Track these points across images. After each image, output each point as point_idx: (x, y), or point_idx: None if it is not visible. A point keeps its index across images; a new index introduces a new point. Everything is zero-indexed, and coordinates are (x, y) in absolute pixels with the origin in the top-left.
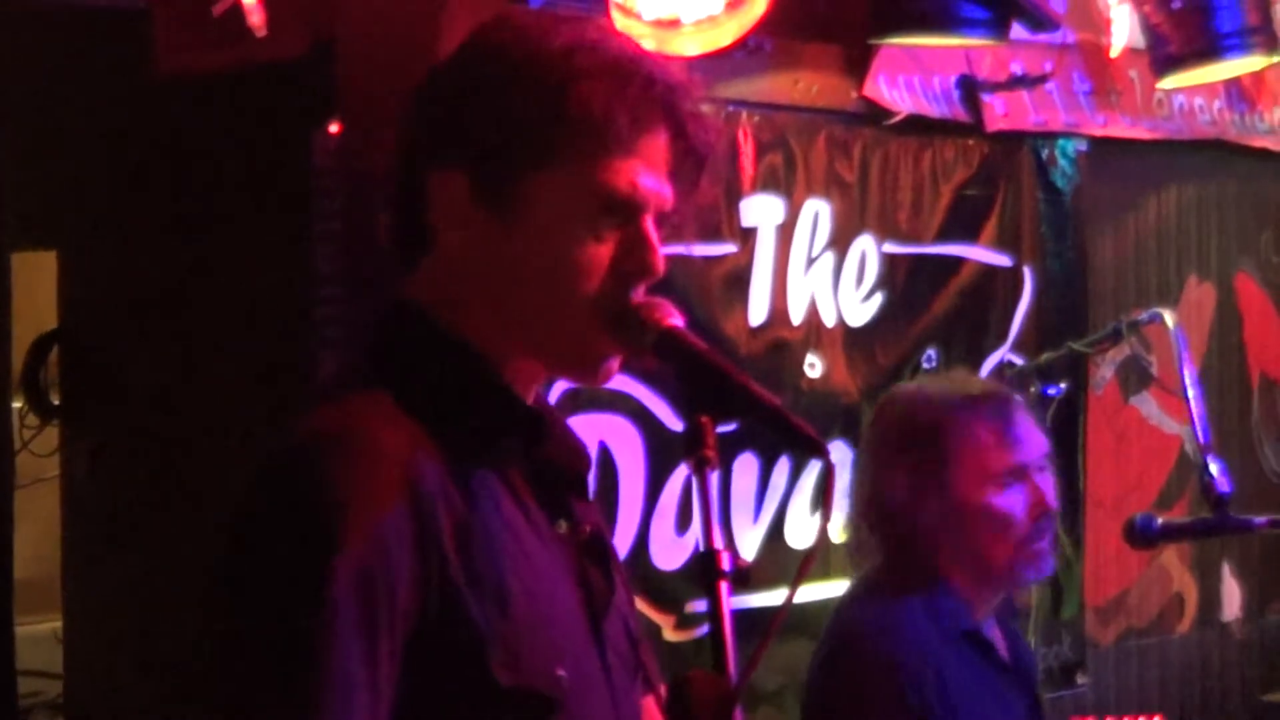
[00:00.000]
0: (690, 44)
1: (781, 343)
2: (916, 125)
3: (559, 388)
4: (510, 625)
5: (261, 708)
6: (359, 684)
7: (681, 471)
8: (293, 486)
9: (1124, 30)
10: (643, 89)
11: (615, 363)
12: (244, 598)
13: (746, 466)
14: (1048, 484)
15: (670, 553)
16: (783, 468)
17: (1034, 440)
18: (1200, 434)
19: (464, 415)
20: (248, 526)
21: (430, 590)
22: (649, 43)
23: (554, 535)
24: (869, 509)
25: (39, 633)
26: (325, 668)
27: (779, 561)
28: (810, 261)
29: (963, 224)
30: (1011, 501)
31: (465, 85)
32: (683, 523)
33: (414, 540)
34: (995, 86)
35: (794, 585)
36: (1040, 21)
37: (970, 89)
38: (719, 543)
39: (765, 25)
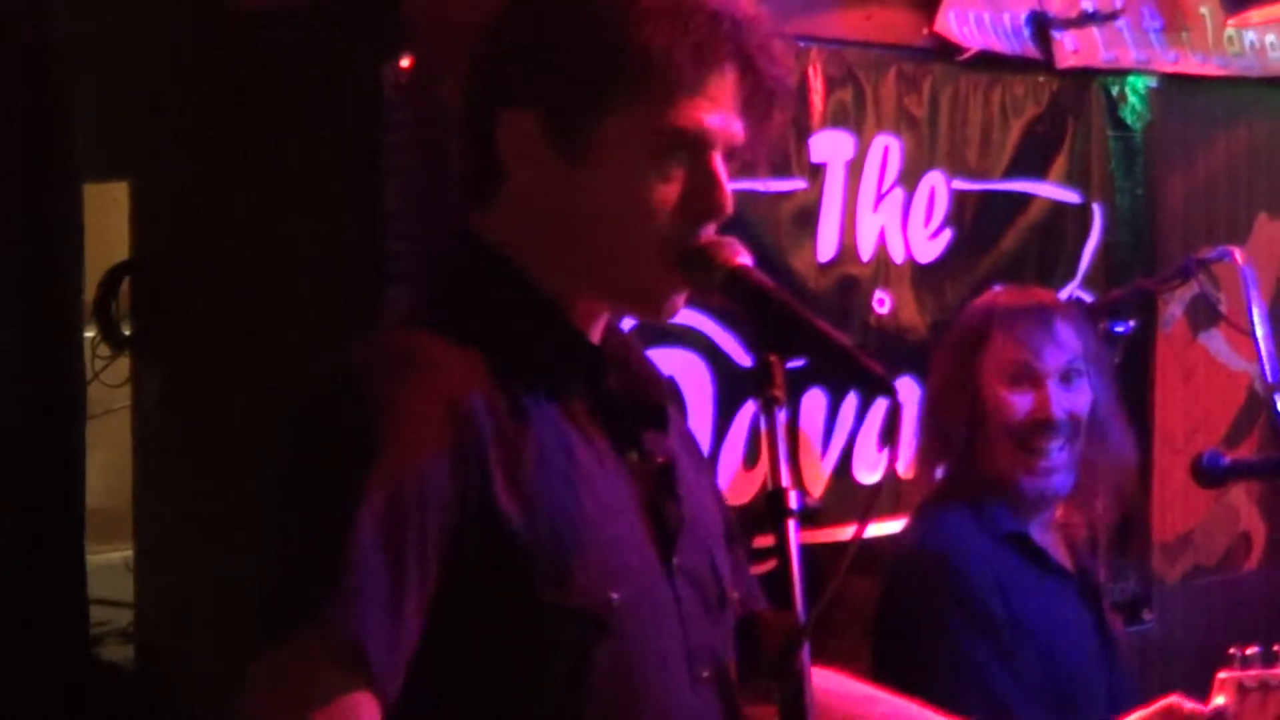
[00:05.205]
0: None
1: (850, 279)
2: (986, 61)
3: (627, 323)
4: (561, 545)
5: (291, 585)
6: (380, 579)
7: (749, 406)
8: (341, 404)
9: None
10: (705, 26)
11: (680, 299)
12: (288, 499)
13: (814, 402)
14: (1058, 394)
15: (738, 487)
16: (850, 403)
17: (1056, 349)
18: (1269, 372)
19: (525, 349)
20: (298, 436)
21: (469, 508)
22: None
23: (622, 466)
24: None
25: (110, 561)
26: (350, 560)
27: (846, 497)
28: (879, 198)
29: (1032, 161)
30: (1016, 401)
31: (532, 27)
32: (750, 457)
33: (453, 460)
34: (1066, 23)
35: (861, 522)
36: None
37: (1041, 25)
38: (787, 481)
39: None
